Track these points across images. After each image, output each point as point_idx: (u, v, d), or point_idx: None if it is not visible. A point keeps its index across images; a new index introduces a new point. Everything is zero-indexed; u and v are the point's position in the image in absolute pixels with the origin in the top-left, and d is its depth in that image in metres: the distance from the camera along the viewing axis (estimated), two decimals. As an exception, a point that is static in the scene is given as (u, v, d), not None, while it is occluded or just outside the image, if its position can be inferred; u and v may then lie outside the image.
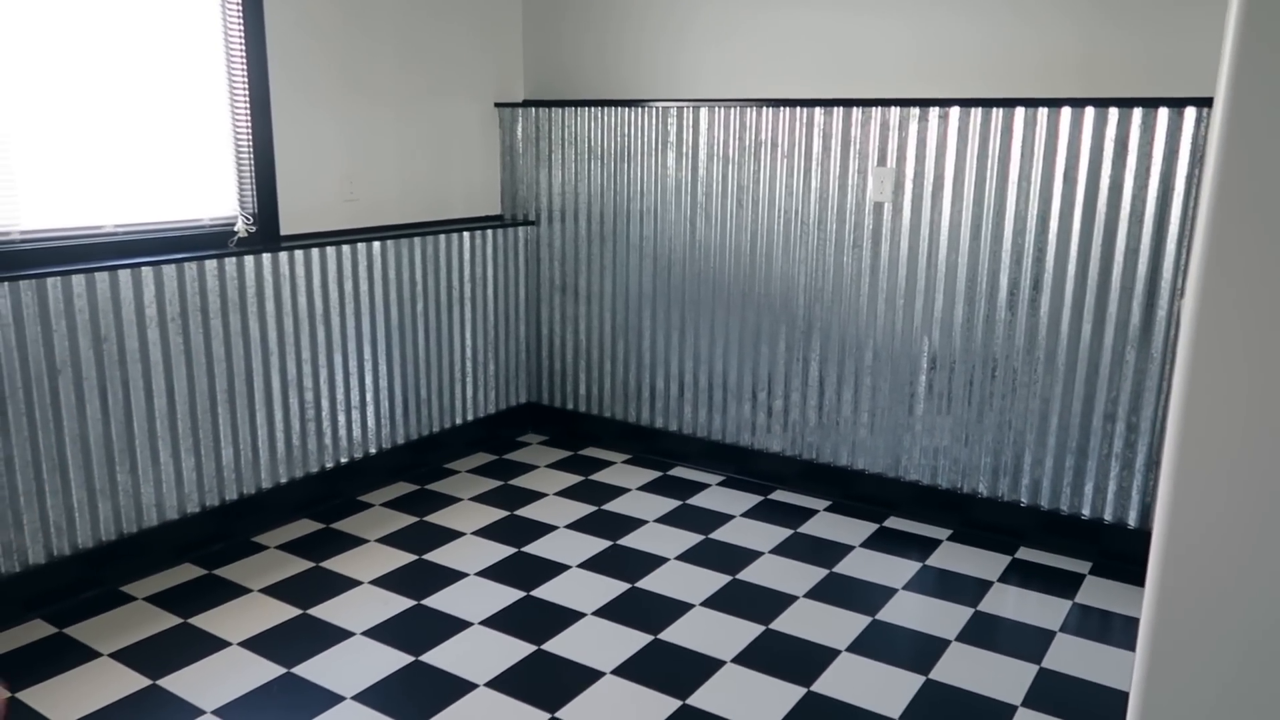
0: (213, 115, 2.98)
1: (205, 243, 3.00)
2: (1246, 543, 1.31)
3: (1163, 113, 2.71)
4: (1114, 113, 2.78)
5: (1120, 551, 2.99)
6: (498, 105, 3.94)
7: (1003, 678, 2.38)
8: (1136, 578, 2.91)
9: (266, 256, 3.03)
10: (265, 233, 3.15)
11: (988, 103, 2.96)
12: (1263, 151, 1.23)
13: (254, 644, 2.47)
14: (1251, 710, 1.34)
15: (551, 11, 3.87)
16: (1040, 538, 3.11)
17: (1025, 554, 3.07)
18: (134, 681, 2.30)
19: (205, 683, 2.30)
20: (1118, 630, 2.61)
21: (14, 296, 2.45)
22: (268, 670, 2.36)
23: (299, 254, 3.13)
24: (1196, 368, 1.31)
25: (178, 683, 2.30)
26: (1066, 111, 2.85)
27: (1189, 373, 1.31)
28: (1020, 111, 2.92)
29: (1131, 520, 2.96)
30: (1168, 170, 2.73)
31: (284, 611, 2.64)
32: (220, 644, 2.47)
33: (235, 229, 3.08)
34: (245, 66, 3.02)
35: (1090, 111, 2.81)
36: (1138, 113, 2.75)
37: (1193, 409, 1.31)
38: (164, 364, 2.80)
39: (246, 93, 3.04)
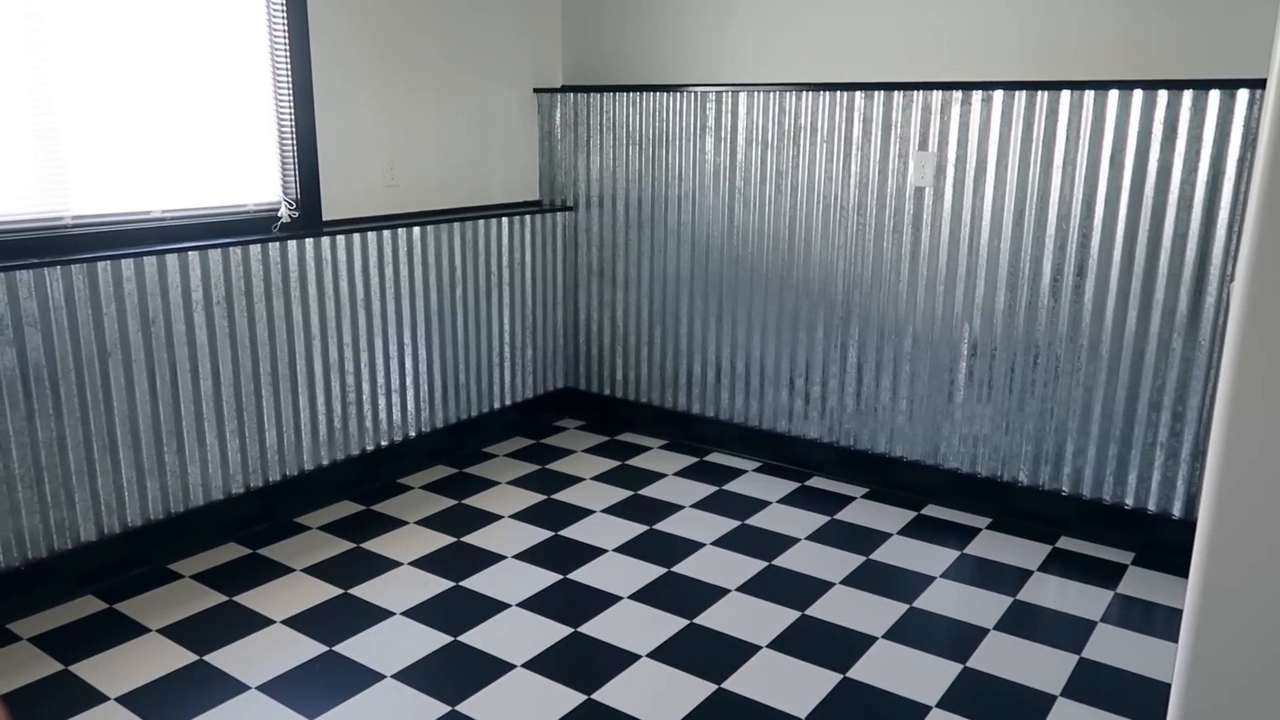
0: (257, 102, 3.02)
1: (249, 228, 3.05)
2: (1295, 533, 1.29)
3: (1214, 95, 2.65)
4: (1163, 95, 2.72)
5: (1164, 542, 2.94)
6: (536, 91, 3.95)
7: (1042, 667, 2.36)
8: (1180, 569, 2.87)
9: (309, 241, 3.07)
10: (308, 218, 3.19)
11: (1031, 85, 2.91)
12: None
13: (296, 622, 2.52)
14: (1298, 703, 1.32)
15: (590, -4, 3.86)
16: (1081, 527, 3.07)
17: (1066, 543, 3.03)
18: (182, 656, 2.36)
19: (250, 659, 2.35)
20: (1160, 621, 2.57)
21: (66, 280, 2.51)
22: (310, 648, 2.40)
23: (340, 239, 3.17)
24: (1245, 355, 1.28)
25: (223, 658, 2.35)
26: (1114, 94, 2.79)
27: (1237, 360, 1.28)
28: (1065, 95, 2.87)
29: (1176, 511, 2.91)
30: (1218, 154, 2.67)
31: (326, 591, 2.69)
32: (264, 621, 2.52)
33: (279, 214, 3.12)
34: (289, 53, 3.06)
35: (1138, 94, 2.75)
36: (1188, 95, 2.69)
37: (1240, 397, 1.28)
38: (209, 347, 2.85)
39: (289, 80, 3.07)
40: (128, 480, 2.71)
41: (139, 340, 2.68)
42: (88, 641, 2.42)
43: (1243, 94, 2.61)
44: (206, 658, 2.36)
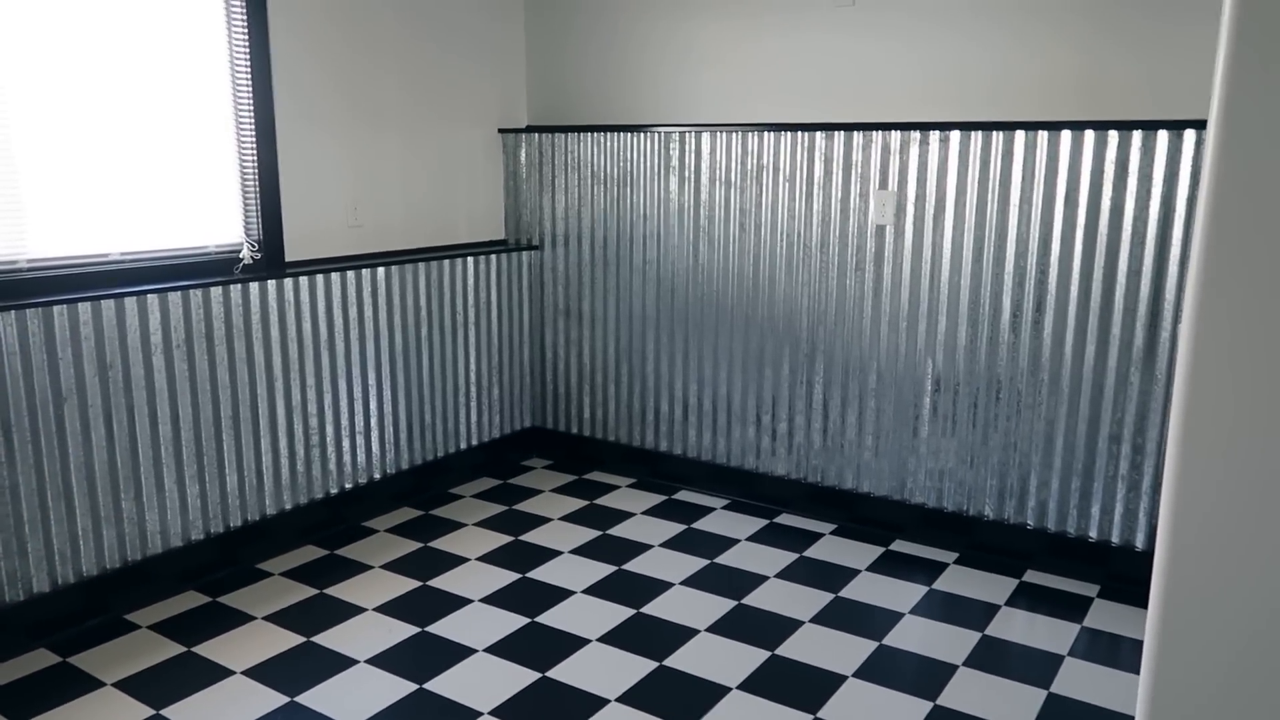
0: (218, 143, 3.01)
1: (210, 270, 3.01)
2: (1249, 560, 1.31)
3: (1162, 135, 2.72)
4: (1114, 135, 2.79)
5: (1128, 574, 2.97)
6: (501, 131, 3.97)
7: (1011, 703, 2.36)
8: (1145, 600, 2.89)
9: (271, 283, 3.05)
10: (270, 259, 3.16)
11: (988, 126, 2.97)
12: (1255, 173, 1.23)
13: (257, 673, 2.46)
14: (1261, 738, 1.33)
15: (555, 38, 3.90)
16: (1047, 560, 3.09)
17: (1032, 577, 3.05)
18: (137, 712, 2.29)
19: (208, 712, 2.29)
20: (1126, 654, 2.59)
21: (20, 325, 2.46)
22: (271, 699, 2.35)
23: (304, 280, 3.14)
24: (1194, 386, 1.30)
25: (181, 712, 2.29)
26: (1066, 135, 2.86)
27: (1187, 392, 1.31)
28: (1020, 135, 2.93)
29: (1139, 543, 2.94)
30: (1168, 192, 2.74)
31: (288, 639, 2.63)
32: (224, 673, 2.46)
33: (240, 256, 3.10)
34: (250, 93, 3.05)
35: (1090, 135, 2.82)
36: (1137, 135, 2.76)
37: (1191, 427, 1.30)
38: (169, 391, 2.80)
39: (252, 120, 3.06)
40: (83, 528, 2.65)
41: (96, 385, 2.63)
42: (40, 697, 2.35)
43: (1189, 134, 2.68)
44: (163, 711, 2.29)
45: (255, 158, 3.09)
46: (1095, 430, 2.95)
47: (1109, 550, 2.98)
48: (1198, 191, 2.68)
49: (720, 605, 2.85)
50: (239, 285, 2.95)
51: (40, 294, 2.58)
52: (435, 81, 3.67)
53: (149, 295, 2.73)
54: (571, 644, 2.62)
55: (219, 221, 3.04)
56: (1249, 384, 1.27)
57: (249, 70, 3.04)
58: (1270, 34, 1.21)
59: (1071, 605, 2.86)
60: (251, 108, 3.06)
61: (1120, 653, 2.60)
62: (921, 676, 2.47)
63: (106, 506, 2.69)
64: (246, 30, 3.01)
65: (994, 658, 2.57)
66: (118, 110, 2.74)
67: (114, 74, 2.72)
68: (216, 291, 2.89)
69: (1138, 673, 2.49)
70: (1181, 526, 1.34)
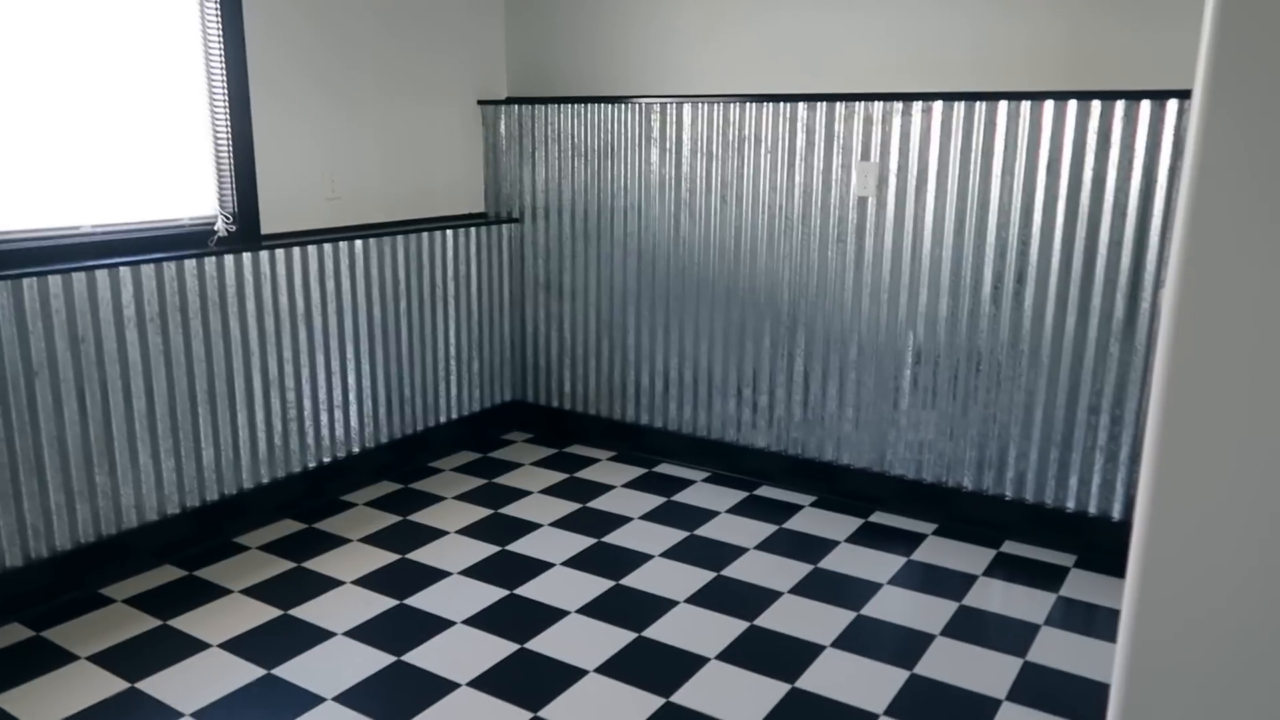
0: (191, 113, 2.96)
1: (184, 242, 2.97)
2: (1226, 531, 1.31)
3: (1145, 105, 2.71)
4: (1096, 105, 2.77)
5: (1105, 544, 2.99)
6: (481, 102, 3.92)
7: (987, 672, 2.37)
8: (1121, 570, 2.91)
9: (247, 256, 3.01)
10: (245, 232, 3.12)
11: (970, 96, 2.95)
12: (1238, 144, 1.22)
13: (234, 645, 2.45)
14: (1231, 699, 1.34)
15: (534, 8, 3.85)
16: (1025, 531, 3.11)
17: (1010, 547, 3.07)
18: (112, 685, 2.28)
19: (185, 685, 2.28)
20: (1102, 623, 2.61)
21: (-12, 297, 2.42)
22: (248, 672, 2.34)
23: (280, 253, 3.11)
24: (1175, 359, 1.30)
25: (157, 685, 2.28)
26: (1049, 105, 2.84)
27: (1168, 365, 1.30)
28: (1003, 105, 2.91)
29: (1116, 513, 2.96)
30: (1150, 162, 2.73)
31: (265, 612, 2.62)
32: (200, 646, 2.45)
33: (215, 228, 3.05)
34: (224, 63, 3.00)
35: (1073, 104, 2.81)
36: (1120, 105, 2.74)
37: (1172, 401, 1.30)
38: (143, 365, 2.77)
39: (225, 90, 3.01)
40: (56, 504, 2.62)
41: (67, 359, 2.60)
42: (13, 671, 2.33)
43: (1172, 104, 2.67)
44: (138, 685, 2.28)
45: (229, 129, 3.04)
46: (1074, 401, 2.96)
47: (1086, 520, 3.00)
48: (1179, 162, 2.68)
49: (700, 576, 2.85)
50: (213, 258, 2.91)
51: (9, 266, 2.54)
52: (413, 52, 3.61)
53: (121, 268, 2.69)
54: (551, 616, 2.62)
55: (193, 194, 2.99)
56: (1230, 356, 1.27)
57: (221, 40, 2.98)
58: (1256, 3, 1.19)
59: (1048, 575, 2.88)
60: (225, 78, 3.00)
61: (1096, 622, 2.62)
62: (899, 646, 2.49)
63: (80, 481, 2.66)
64: (218, -3, 2.96)
65: (971, 627, 2.58)
66: (88, 80, 2.68)
67: (84, 43, 2.66)
68: (191, 264, 2.85)
69: (1113, 641, 2.51)
70: (1160, 497, 1.34)
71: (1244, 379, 1.25)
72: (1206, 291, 1.26)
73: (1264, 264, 1.22)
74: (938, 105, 3.01)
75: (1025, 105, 2.88)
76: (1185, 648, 1.35)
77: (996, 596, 2.75)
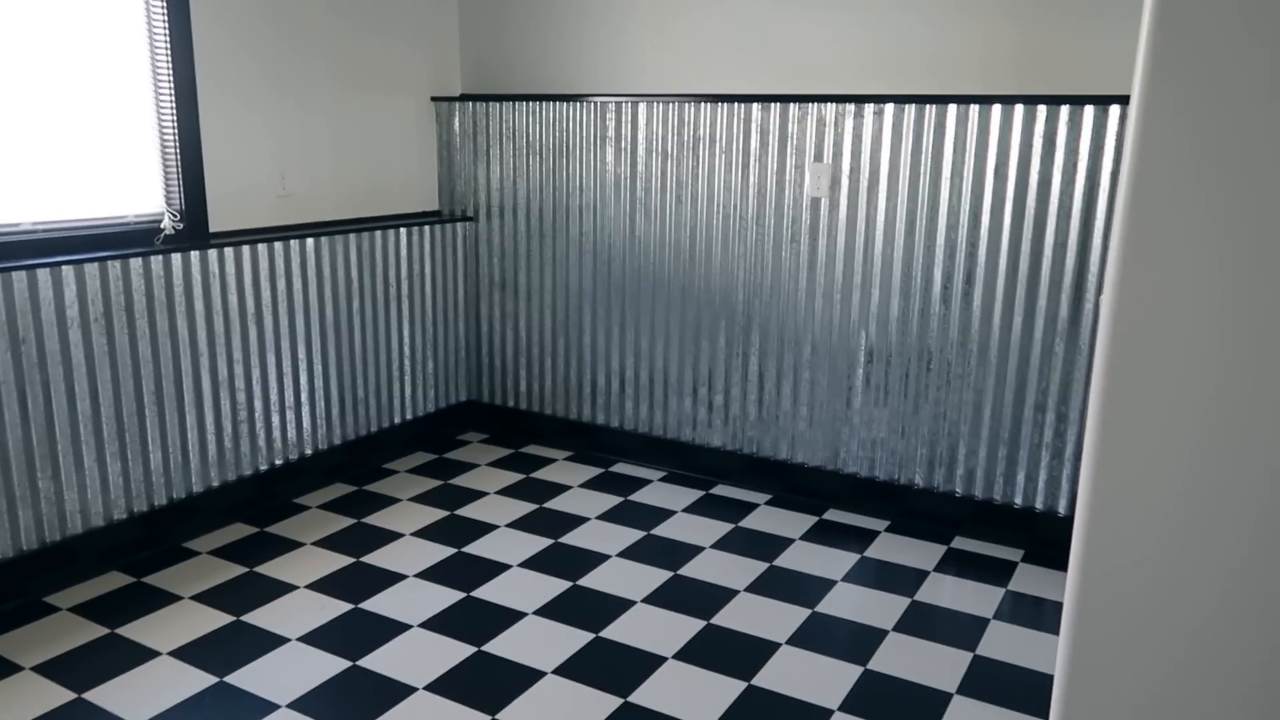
0: (136, 108, 2.89)
1: (130, 240, 2.91)
2: (1164, 525, 1.35)
3: (1088, 110, 2.77)
4: (1042, 110, 2.84)
5: (1051, 539, 3.06)
6: (434, 99, 3.89)
7: (938, 666, 2.42)
8: (1066, 564, 2.99)
9: (195, 254, 2.95)
10: (193, 230, 3.06)
11: (922, 99, 3.00)
12: (1174, 147, 1.26)
13: (185, 653, 2.41)
14: (1168, 687, 1.39)
15: (489, 3, 3.83)
16: (975, 527, 3.17)
17: (960, 543, 3.13)
18: (59, 695, 2.23)
19: (134, 695, 2.24)
20: (1049, 616, 2.67)
21: (-76, 298, 2.35)
22: (200, 680, 2.30)
23: (229, 251, 3.05)
24: (1113, 360, 1.34)
25: (105, 696, 2.23)
26: (997, 109, 2.90)
27: (1107, 365, 1.34)
28: (953, 108, 2.96)
29: (1062, 508, 3.03)
30: (1093, 166, 2.80)
31: (216, 619, 2.58)
32: (150, 654, 2.40)
33: (161, 226, 2.99)
34: (169, 57, 2.94)
35: (1020, 109, 2.87)
36: (1065, 110, 2.81)
37: (1110, 400, 1.34)
38: (87, 366, 2.71)
39: (171, 81, 2.95)
40: (-3, 509, 2.55)
41: (7, 360, 2.53)
42: (-47, 683, 2.27)
43: (1114, 109, 2.74)
44: (86, 695, 2.23)
45: (175, 122, 2.98)
46: (1021, 400, 3.02)
47: (1033, 516, 3.07)
48: (1121, 166, 2.75)
49: (657, 576, 2.87)
50: (160, 256, 2.85)
51: (-55, 265, 2.47)
52: (365, 47, 3.57)
53: (64, 267, 2.62)
54: (508, 618, 2.61)
55: (138, 190, 2.93)
56: (1166, 355, 1.31)
57: (167, 29, 2.92)
58: (1189, 11, 1.23)
59: (997, 570, 2.95)
60: (170, 71, 2.94)
61: (1043, 615, 2.68)
62: (853, 642, 2.52)
63: (21, 486, 2.60)
64: (164, -10, 2.89)
65: (923, 622, 2.63)
66: (27, 71, 2.61)
67: (22, 32, 2.59)
68: (136, 263, 2.79)
69: (1058, 634, 2.57)
70: (1100, 493, 1.38)
71: (1179, 378, 1.30)
72: (1143, 293, 1.30)
73: (1198, 265, 1.27)
74: (889, 107, 3.05)
75: (974, 109, 2.93)
76: (1123, 638, 1.40)
77: (947, 592, 2.80)
